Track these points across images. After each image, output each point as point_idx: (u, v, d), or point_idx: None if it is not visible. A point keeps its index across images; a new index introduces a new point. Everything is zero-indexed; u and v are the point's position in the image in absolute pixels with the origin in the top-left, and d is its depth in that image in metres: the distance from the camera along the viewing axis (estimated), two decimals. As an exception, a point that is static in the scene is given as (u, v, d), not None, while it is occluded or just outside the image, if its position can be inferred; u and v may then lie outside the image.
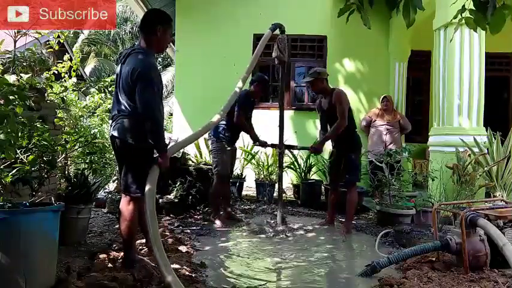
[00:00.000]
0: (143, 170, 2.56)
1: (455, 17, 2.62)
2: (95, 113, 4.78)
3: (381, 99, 6.58)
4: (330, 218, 4.46)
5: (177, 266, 2.72)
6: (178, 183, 4.59)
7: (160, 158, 2.60)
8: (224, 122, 4.24)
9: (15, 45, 3.53)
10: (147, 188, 2.49)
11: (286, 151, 6.13)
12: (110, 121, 2.71)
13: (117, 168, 3.80)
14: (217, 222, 4.17)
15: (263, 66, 6.95)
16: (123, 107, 2.56)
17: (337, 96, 4.16)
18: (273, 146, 4.77)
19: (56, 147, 2.84)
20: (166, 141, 5.53)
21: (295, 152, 6.45)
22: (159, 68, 19.87)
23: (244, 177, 6.11)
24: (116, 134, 2.56)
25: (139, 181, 2.55)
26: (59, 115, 3.84)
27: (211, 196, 4.41)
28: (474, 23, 2.50)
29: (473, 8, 2.48)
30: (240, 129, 4.52)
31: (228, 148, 4.41)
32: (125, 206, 2.60)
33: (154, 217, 2.45)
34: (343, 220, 4.38)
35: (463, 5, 2.56)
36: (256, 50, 4.09)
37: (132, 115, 2.53)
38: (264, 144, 4.64)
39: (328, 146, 6.46)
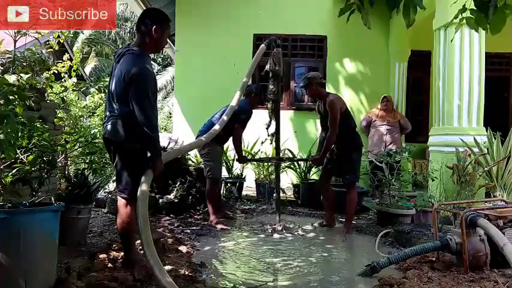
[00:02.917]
0: (137, 171, 2.53)
1: (456, 17, 2.61)
2: (95, 113, 4.78)
3: (380, 99, 6.58)
4: (330, 219, 4.42)
5: (177, 266, 2.72)
6: (178, 183, 4.59)
7: (155, 162, 2.56)
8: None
9: (15, 45, 3.53)
10: (140, 191, 2.45)
11: (287, 151, 6.16)
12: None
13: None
14: (218, 226, 4.15)
15: (262, 66, 6.94)
16: (115, 108, 2.53)
17: (329, 105, 4.12)
18: (270, 160, 4.78)
19: (56, 147, 2.84)
20: (166, 141, 5.56)
21: (296, 152, 6.46)
22: (159, 68, 19.89)
23: (244, 177, 6.11)
24: (107, 135, 2.54)
25: (134, 182, 2.53)
26: (59, 115, 3.85)
27: (209, 200, 4.32)
28: (475, 23, 2.50)
29: (474, 8, 2.48)
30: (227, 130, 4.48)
31: (220, 150, 4.45)
32: (123, 206, 2.59)
33: (147, 221, 2.41)
34: (343, 220, 4.38)
35: (464, 5, 2.55)
36: (250, 66, 4.15)
37: (123, 116, 2.49)
38: (244, 161, 4.85)
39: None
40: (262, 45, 4.30)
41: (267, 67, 4.36)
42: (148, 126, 2.44)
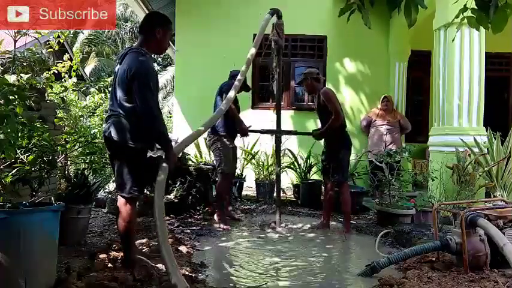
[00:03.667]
0: (137, 170, 2.55)
1: (457, 16, 2.61)
2: (95, 113, 4.77)
3: (381, 99, 6.58)
4: (325, 221, 4.34)
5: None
6: (178, 183, 4.59)
7: (168, 153, 2.57)
8: (221, 120, 4.22)
9: (15, 45, 3.52)
10: (156, 183, 2.45)
11: (287, 151, 6.15)
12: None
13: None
14: (222, 226, 4.15)
15: (263, 66, 6.95)
16: (116, 107, 2.57)
17: (324, 95, 4.14)
18: (268, 132, 4.70)
19: (56, 147, 2.84)
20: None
21: (295, 151, 6.46)
22: (159, 68, 19.95)
23: (244, 177, 6.11)
24: (108, 134, 2.57)
25: (132, 181, 2.54)
26: (59, 115, 3.84)
27: (217, 196, 4.35)
28: (476, 22, 2.50)
29: (475, 7, 2.48)
30: (233, 120, 4.42)
31: (230, 145, 4.40)
32: (122, 206, 2.60)
33: (162, 213, 2.41)
34: (343, 220, 4.37)
35: (465, 4, 2.55)
36: (257, 35, 4.07)
37: (125, 115, 2.52)
38: (245, 132, 4.49)
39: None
40: (267, 15, 4.23)
41: (270, 36, 4.34)
42: (154, 119, 2.48)
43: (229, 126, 4.34)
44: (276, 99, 4.49)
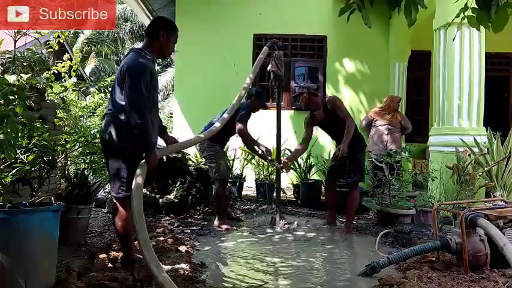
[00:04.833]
0: (130, 171, 2.53)
1: (457, 16, 2.62)
2: (95, 113, 4.77)
3: (398, 99, 6.50)
4: (331, 219, 4.43)
5: (177, 266, 2.72)
6: (178, 183, 4.59)
7: (148, 156, 2.55)
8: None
9: (15, 45, 3.52)
10: (133, 186, 2.44)
11: (287, 151, 6.14)
12: None
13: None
14: (223, 227, 4.14)
15: (264, 67, 6.94)
16: (111, 106, 2.59)
17: (332, 102, 4.12)
18: (280, 165, 4.59)
19: (56, 147, 2.84)
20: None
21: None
22: (159, 68, 19.89)
23: (244, 177, 6.11)
24: (101, 132, 2.59)
25: (121, 181, 2.54)
26: (59, 115, 3.84)
27: (217, 202, 4.32)
28: (477, 22, 2.50)
29: (476, 7, 2.48)
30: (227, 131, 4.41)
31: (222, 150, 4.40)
32: (118, 206, 2.60)
33: (142, 218, 2.39)
34: (344, 220, 4.38)
35: (466, 4, 2.56)
36: (254, 67, 4.17)
37: (119, 113, 2.52)
38: (264, 157, 4.60)
39: (328, 146, 6.49)
40: (265, 47, 4.33)
41: (269, 68, 4.40)
42: (140, 119, 2.45)
43: (223, 134, 4.26)
44: (277, 128, 4.50)
